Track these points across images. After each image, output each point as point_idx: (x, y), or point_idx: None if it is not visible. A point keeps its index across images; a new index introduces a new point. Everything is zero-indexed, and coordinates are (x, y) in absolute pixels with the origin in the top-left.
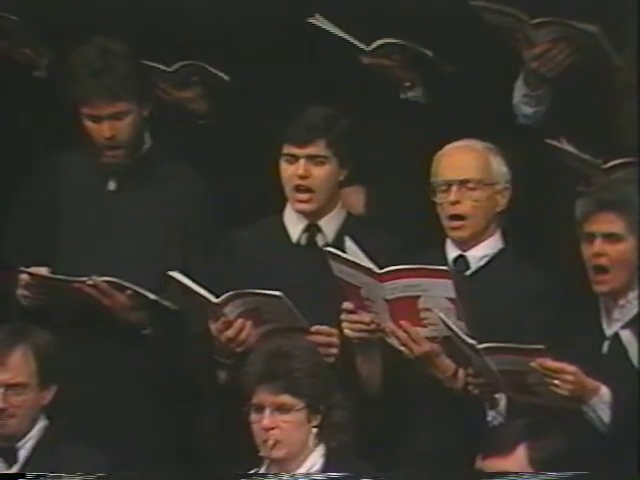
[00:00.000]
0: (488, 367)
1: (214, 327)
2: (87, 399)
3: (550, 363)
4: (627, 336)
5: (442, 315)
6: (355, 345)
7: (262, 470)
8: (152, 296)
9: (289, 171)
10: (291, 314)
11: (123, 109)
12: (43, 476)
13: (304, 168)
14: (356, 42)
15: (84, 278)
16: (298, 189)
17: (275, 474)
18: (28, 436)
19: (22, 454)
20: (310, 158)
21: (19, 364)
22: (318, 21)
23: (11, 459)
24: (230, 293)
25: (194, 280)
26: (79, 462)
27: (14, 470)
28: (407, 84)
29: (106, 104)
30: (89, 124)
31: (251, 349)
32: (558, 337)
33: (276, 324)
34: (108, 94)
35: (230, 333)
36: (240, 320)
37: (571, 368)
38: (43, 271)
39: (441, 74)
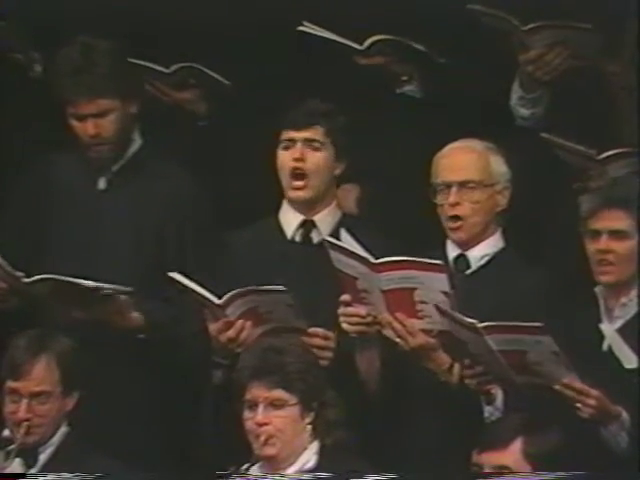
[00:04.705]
0: (488, 347)
1: (214, 327)
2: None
3: (575, 384)
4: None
5: (437, 303)
6: (354, 340)
7: (256, 470)
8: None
9: (285, 156)
10: (291, 312)
11: (106, 106)
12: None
13: (300, 151)
14: (349, 43)
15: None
16: (293, 174)
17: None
18: (50, 442)
19: (42, 458)
20: (307, 142)
21: (43, 373)
22: (307, 28)
23: (31, 461)
24: (232, 293)
25: (192, 279)
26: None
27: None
28: (404, 78)
29: (88, 102)
30: (74, 123)
31: (247, 348)
32: (558, 335)
33: (275, 324)
34: (89, 92)
35: (231, 333)
36: (241, 321)
37: (595, 392)
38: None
39: (437, 68)
